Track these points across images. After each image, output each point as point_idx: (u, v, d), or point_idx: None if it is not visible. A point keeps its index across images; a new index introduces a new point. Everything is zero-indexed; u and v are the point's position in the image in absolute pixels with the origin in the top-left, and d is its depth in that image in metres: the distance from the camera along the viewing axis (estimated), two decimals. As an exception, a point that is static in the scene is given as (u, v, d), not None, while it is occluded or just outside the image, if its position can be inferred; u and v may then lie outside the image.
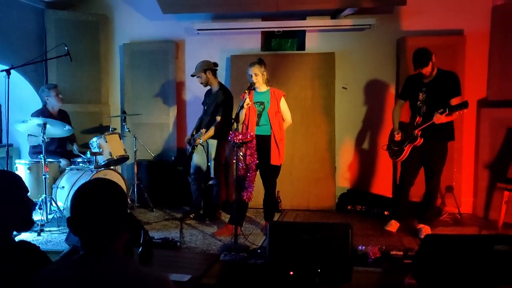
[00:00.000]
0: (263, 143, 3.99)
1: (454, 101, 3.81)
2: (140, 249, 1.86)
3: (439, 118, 3.75)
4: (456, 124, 4.90)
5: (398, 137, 4.12)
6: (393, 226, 4.18)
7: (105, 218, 1.29)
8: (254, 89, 4.02)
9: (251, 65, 4.04)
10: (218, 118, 4.44)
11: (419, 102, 3.99)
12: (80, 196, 1.32)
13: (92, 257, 1.27)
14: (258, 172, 4.07)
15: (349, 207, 5.07)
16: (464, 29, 5.01)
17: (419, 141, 3.92)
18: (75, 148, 5.08)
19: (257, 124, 4.02)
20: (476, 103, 4.98)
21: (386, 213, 4.66)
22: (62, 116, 4.94)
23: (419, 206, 4.22)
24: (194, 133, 4.71)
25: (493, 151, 4.77)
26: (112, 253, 1.29)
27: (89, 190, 1.34)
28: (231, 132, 3.75)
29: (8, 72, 4.06)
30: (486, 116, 4.87)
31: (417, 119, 3.96)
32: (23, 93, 5.49)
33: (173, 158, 5.58)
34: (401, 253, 3.27)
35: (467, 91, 4.94)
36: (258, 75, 4.00)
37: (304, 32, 5.52)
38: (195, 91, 5.55)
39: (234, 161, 3.79)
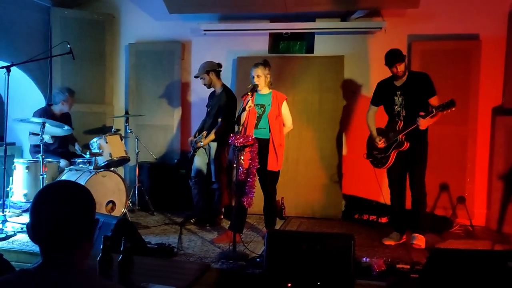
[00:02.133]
0: (261, 147, 3.82)
1: (433, 101, 3.73)
2: (120, 257, 1.73)
3: (424, 123, 3.66)
4: (470, 132, 4.76)
5: (381, 144, 3.98)
6: (393, 239, 3.99)
7: (64, 224, 1.15)
8: (257, 91, 3.89)
9: (255, 66, 3.94)
10: (220, 121, 4.31)
11: (396, 106, 3.90)
12: (39, 199, 1.19)
13: (48, 268, 1.14)
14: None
15: (356, 216, 4.90)
16: (480, 34, 4.82)
17: (406, 145, 3.82)
18: (77, 148, 5.00)
19: (256, 127, 3.88)
20: (491, 111, 4.80)
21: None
22: (64, 118, 4.87)
23: (410, 214, 3.99)
24: (196, 135, 4.59)
25: (508, 161, 4.57)
26: (70, 265, 1.15)
27: (49, 192, 1.20)
28: (231, 135, 3.61)
29: (8, 69, 3.98)
30: (501, 124, 4.68)
31: (399, 123, 3.86)
32: (27, 91, 5.45)
33: (176, 161, 5.46)
34: (408, 266, 3.10)
35: (481, 98, 4.77)
36: (260, 77, 3.87)
37: (313, 34, 5.37)
38: (200, 92, 5.43)
39: (234, 165, 3.65)
